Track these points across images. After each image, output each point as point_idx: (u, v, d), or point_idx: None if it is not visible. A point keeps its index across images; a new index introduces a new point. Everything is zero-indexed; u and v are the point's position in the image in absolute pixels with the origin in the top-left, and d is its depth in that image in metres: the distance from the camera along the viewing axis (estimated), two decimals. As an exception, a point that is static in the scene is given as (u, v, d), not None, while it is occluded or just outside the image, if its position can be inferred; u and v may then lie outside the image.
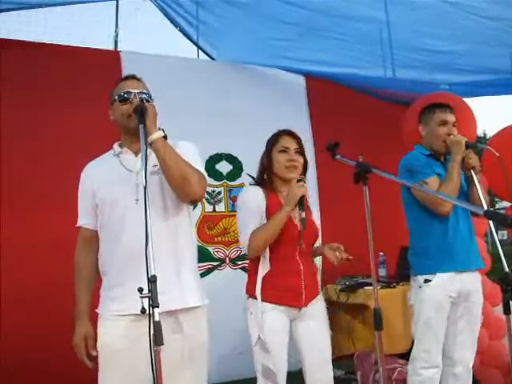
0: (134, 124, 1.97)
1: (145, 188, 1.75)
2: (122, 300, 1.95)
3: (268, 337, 2.24)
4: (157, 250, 1.69)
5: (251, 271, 2.41)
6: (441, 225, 2.71)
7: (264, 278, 2.31)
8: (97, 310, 2.07)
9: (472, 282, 2.74)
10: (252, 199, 2.38)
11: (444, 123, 2.75)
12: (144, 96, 2.09)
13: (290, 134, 2.47)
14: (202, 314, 2.07)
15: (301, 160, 2.44)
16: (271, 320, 2.27)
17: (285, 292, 2.31)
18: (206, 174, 2.09)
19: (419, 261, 2.77)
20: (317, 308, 2.42)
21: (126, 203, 2.00)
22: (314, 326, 2.38)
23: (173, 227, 2.04)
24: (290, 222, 2.34)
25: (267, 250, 2.33)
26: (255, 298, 2.30)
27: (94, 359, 2.02)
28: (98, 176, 2.13)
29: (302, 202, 2.28)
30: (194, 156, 2.08)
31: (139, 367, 1.81)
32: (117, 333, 1.95)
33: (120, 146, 2.17)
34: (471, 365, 2.76)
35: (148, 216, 1.71)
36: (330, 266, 2.51)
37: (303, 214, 2.27)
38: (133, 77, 2.21)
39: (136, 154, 2.09)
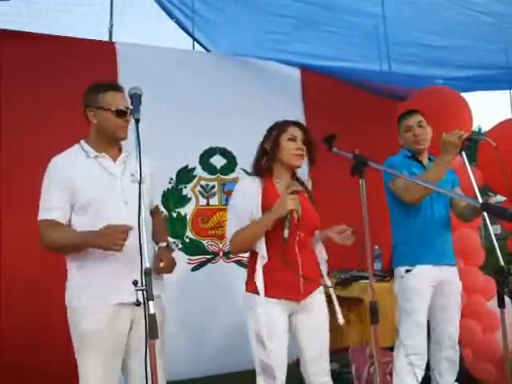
0: (124, 136, 2.24)
1: (139, 183, 1.81)
2: (105, 291, 2.09)
3: (267, 332, 2.20)
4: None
5: (250, 266, 2.35)
6: (416, 218, 2.82)
7: (263, 273, 2.25)
8: (68, 303, 2.15)
9: (452, 273, 2.87)
10: (246, 192, 2.32)
11: (409, 129, 2.93)
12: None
13: (297, 124, 2.46)
14: (161, 300, 2.26)
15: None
16: (270, 315, 2.22)
17: (283, 286, 2.25)
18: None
19: (400, 252, 2.88)
20: (316, 300, 2.37)
21: (115, 205, 2.15)
22: (313, 318, 2.34)
23: (148, 228, 2.15)
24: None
25: (264, 244, 2.28)
26: (254, 293, 2.24)
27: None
28: (77, 175, 2.15)
29: (288, 217, 2.20)
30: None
31: (118, 349, 2.11)
32: (98, 318, 2.07)
33: (94, 149, 2.24)
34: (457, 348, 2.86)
35: (142, 211, 1.80)
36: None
37: (286, 233, 2.18)
38: (119, 88, 2.27)
39: (114, 159, 2.25)
